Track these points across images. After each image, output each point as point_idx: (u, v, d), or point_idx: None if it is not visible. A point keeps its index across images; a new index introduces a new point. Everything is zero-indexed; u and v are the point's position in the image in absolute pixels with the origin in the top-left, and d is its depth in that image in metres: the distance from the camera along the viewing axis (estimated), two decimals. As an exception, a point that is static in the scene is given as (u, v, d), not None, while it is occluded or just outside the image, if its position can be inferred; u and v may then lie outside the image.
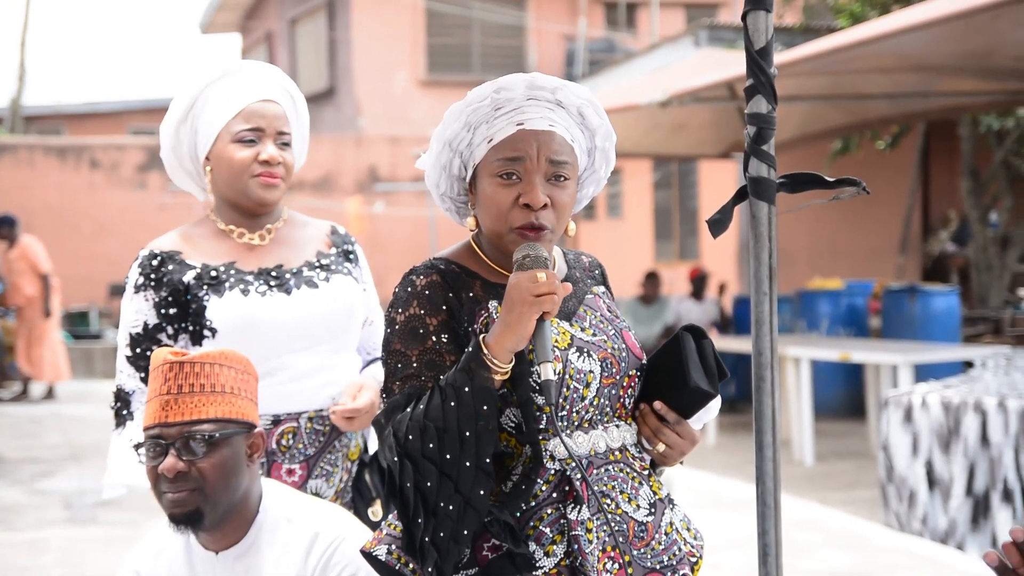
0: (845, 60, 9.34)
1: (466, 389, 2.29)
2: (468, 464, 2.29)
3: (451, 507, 2.29)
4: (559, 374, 2.39)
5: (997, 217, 15.00)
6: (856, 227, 17.28)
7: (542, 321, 2.32)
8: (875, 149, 15.48)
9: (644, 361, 2.55)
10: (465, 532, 2.31)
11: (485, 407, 2.29)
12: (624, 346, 2.52)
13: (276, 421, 3.18)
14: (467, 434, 2.29)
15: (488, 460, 2.31)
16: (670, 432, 2.50)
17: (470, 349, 2.32)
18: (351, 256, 3.45)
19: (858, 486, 9.19)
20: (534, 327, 2.31)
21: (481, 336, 2.34)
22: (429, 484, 2.29)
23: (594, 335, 2.50)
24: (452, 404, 2.29)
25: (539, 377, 2.31)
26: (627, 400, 2.51)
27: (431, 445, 2.29)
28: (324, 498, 3.23)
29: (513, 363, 2.34)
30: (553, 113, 2.46)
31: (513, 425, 2.39)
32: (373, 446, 3.47)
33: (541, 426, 2.38)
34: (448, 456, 2.29)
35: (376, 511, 3.35)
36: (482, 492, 2.30)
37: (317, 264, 3.33)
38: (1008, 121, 13.55)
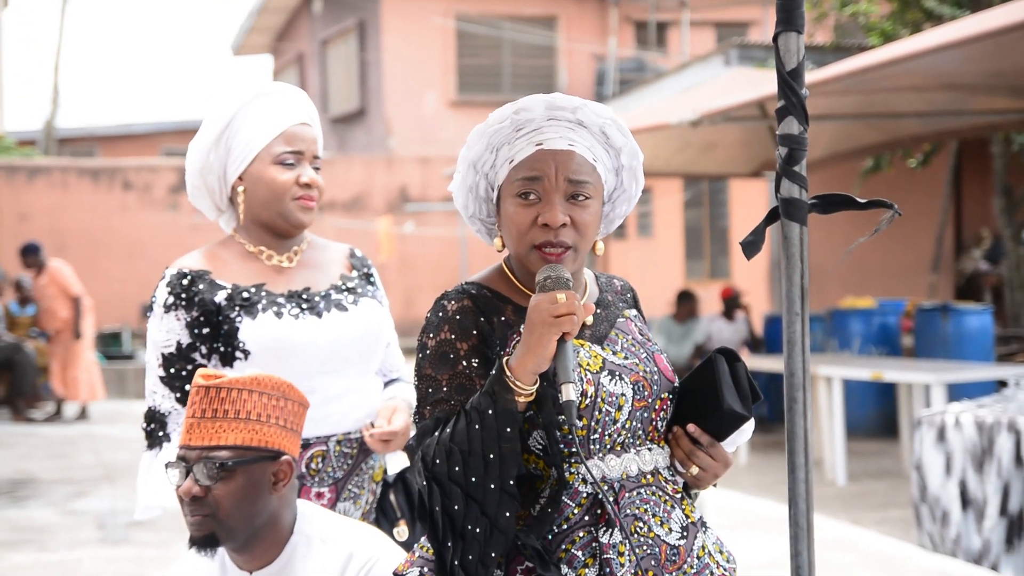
0: (876, 79, 9.32)
1: (490, 412, 2.30)
2: (493, 487, 2.30)
3: (478, 530, 2.30)
4: (591, 397, 2.40)
5: (1030, 235, 14.92)
6: (888, 246, 17.21)
7: (563, 342, 2.32)
8: (907, 167, 15.43)
9: (676, 384, 2.55)
10: (493, 555, 2.32)
11: (508, 429, 2.30)
12: (656, 369, 2.52)
13: (305, 445, 3.18)
14: (491, 456, 2.30)
15: (512, 482, 2.32)
16: (703, 455, 2.50)
17: (494, 372, 2.34)
18: (371, 279, 3.47)
19: (891, 506, 9.14)
20: (555, 348, 2.32)
21: (505, 359, 2.35)
22: (456, 507, 2.31)
23: (626, 358, 2.50)
24: (476, 427, 2.30)
25: (562, 398, 2.31)
26: (660, 423, 2.51)
27: (456, 468, 2.31)
28: (352, 520, 3.24)
29: (538, 385, 2.35)
30: (573, 133, 2.47)
31: (540, 448, 2.40)
32: (392, 467, 3.48)
33: (573, 449, 2.39)
34: (473, 479, 2.30)
35: (401, 531, 3.35)
36: (508, 514, 2.31)
37: (344, 287, 3.34)
38: (1041, 140, 13.49)
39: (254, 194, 3.27)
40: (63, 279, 15.30)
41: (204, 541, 2.81)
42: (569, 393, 2.30)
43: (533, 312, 2.31)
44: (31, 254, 15.33)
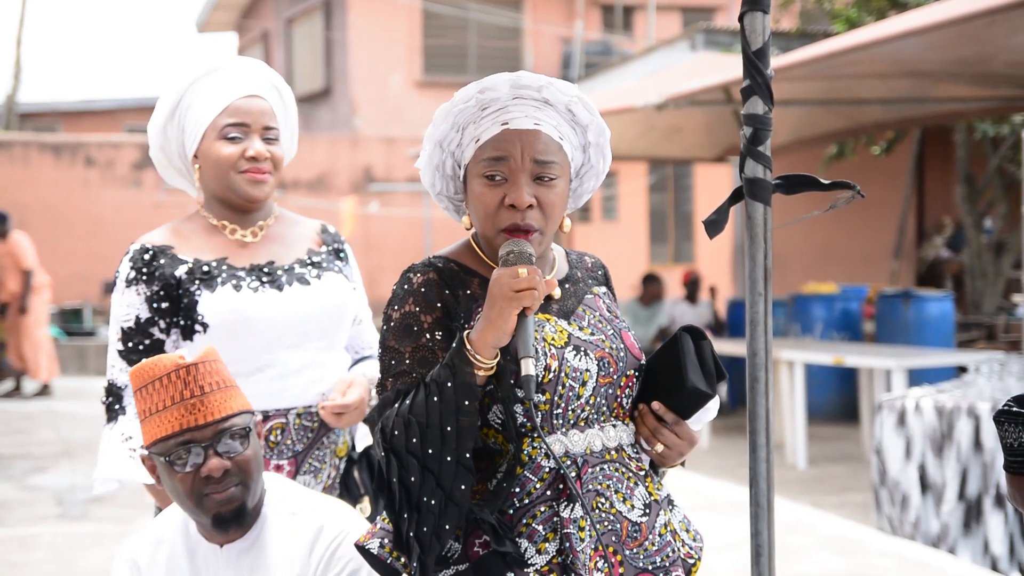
0: (841, 65, 9.34)
1: (448, 384, 2.31)
2: (449, 459, 2.31)
3: (433, 502, 2.31)
4: (555, 372, 2.40)
5: (991, 223, 15.02)
6: (851, 232, 17.30)
7: (524, 316, 2.32)
8: (870, 154, 15.49)
9: (643, 361, 2.55)
10: (447, 527, 2.33)
11: (467, 403, 2.31)
12: (623, 346, 2.52)
13: (265, 417, 3.18)
14: (448, 429, 2.30)
15: (468, 455, 2.32)
16: (668, 432, 2.50)
17: (455, 345, 2.34)
18: (341, 255, 3.46)
19: (851, 490, 9.20)
20: (515, 323, 2.32)
21: (465, 332, 2.35)
22: (413, 479, 2.31)
23: (592, 334, 2.50)
24: (435, 399, 2.31)
25: (522, 372, 2.31)
26: (624, 400, 2.51)
27: (414, 440, 2.31)
28: (312, 494, 3.23)
29: (498, 359, 2.35)
30: (539, 112, 2.46)
31: (500, 422, 2.40)
32: (361, 443, 3.48)
33: (538, 422, 2.39)
34: (430, 451, 2.31)
35: (364, 508, 3.36)
36: (463, 487, 2.32)
37: (309, 262, 3.33)
38: (1003, 128, 13.55)
39: (206, 170, 3.28)
40: (19, 251, 15.08)
41: (235, 514, 2.78)
42: (528, 368, 2.30)
43: (494, 286, 2.32)
44: None
